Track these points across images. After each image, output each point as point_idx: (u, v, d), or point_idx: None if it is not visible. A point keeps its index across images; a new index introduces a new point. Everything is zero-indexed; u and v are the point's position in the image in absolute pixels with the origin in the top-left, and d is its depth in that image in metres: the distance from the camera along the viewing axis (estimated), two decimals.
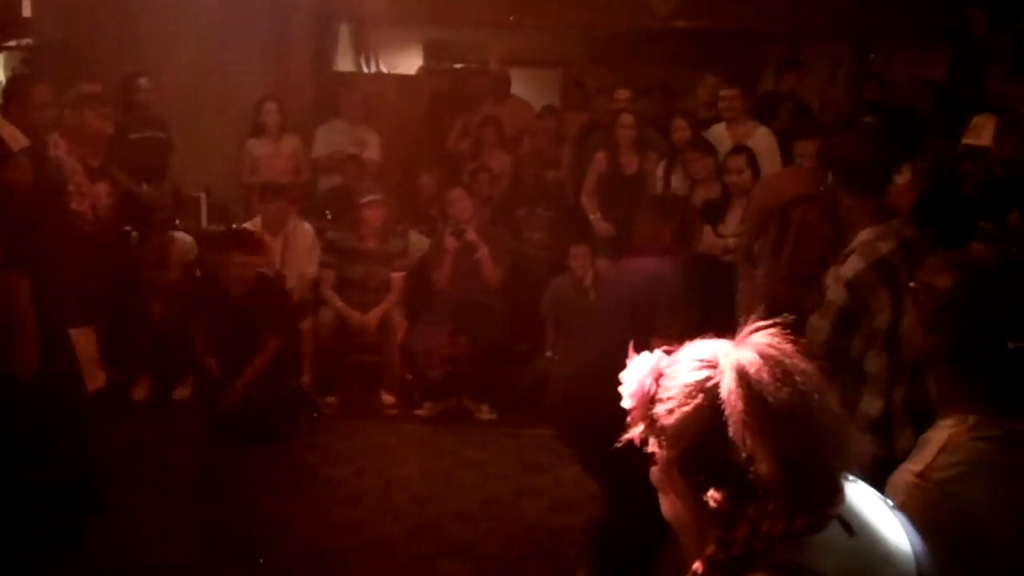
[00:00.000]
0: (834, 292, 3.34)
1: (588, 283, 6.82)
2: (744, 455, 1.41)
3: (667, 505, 1.59)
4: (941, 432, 2.10)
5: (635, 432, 1.55)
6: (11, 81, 6.25)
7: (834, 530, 1.47)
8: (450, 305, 6.91)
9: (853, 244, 3.39)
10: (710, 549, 1.47)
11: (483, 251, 6.85)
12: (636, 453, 3.55)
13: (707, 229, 6.33)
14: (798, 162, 5.89)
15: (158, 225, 6.93)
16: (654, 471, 1.58)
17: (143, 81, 7.41)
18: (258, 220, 7.07)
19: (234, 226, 7.29)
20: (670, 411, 1.48)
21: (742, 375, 1.44)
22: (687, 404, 1.47)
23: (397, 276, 7.00)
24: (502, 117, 8.40)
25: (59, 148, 4.82)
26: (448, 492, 5.55)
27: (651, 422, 1.52)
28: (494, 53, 11.25)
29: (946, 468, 2.02)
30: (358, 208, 6.90)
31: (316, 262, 7.04)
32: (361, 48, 10.64)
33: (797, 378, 1.45)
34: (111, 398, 6.00)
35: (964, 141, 6.55)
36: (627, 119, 7.32)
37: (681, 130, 7.25)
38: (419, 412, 6.70)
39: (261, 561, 4.39)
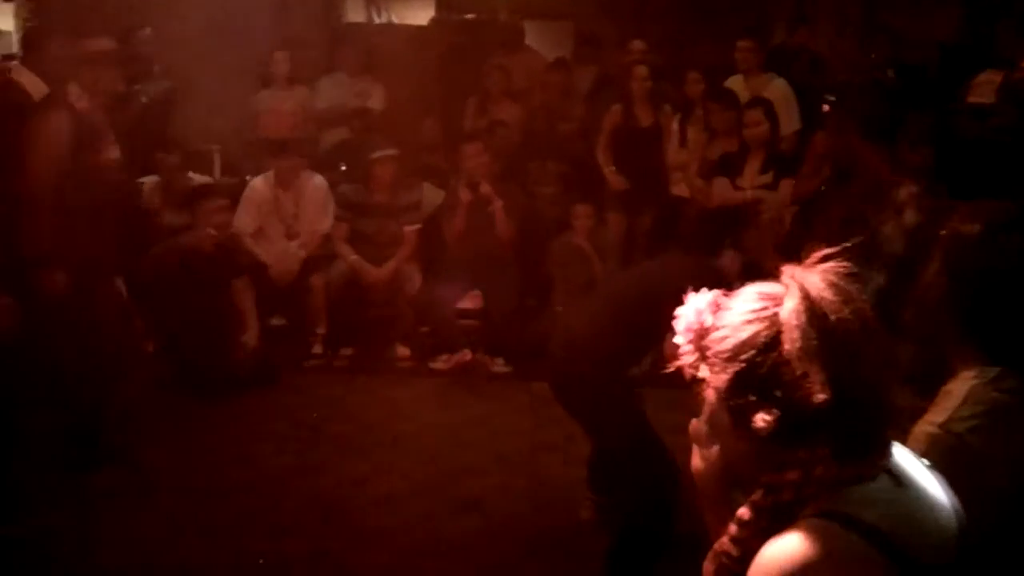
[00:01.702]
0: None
1: (584, 242, 6.82)
2: (798, 375, 1.39)
3: (699, 459, 1.57)
4: (963, 384, 2.08)
5: (685, 361, 1.53)
6: (27, 32, 6.21)
7: (882, 480, 1.46)
8: (463, 258, 6.87)
9: (901, 196, 3.31)
10: (757, 495, 1.45)
11: (497, 204, 6.80)
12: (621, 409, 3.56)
13: (725, 182, 6.30)
14: None
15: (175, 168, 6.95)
16: (694, 422, 1.55)
17: (146, 32, 7.35)
18: (270, 174, 7.02)
19: (248, 178, 7.26)
20: (725, 337, 1.47)
21: (805, 294, 1.43)
22: (744, 330, 1.46)
23: (410, 230, 6.97)
24: (513, 68, 8.31)
25: (83, 100, 4.82)
26: (461, 446, 5.54)
27: (704, 350, 1.50)
28: (505, 5, 11.11)
29: (967, 419, 2.01)
30: (369, 163, 6.85)
31: (330, 216, 7.00)
32: None
33: (859, 305, 1.45)
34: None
35: (968, 99, 6.48)
36: (641, 71, 7.23)
37: (695, 83, 7.20)
38: (434, 365, 6.70)
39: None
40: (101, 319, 4.93)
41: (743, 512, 1.46)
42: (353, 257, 6.88)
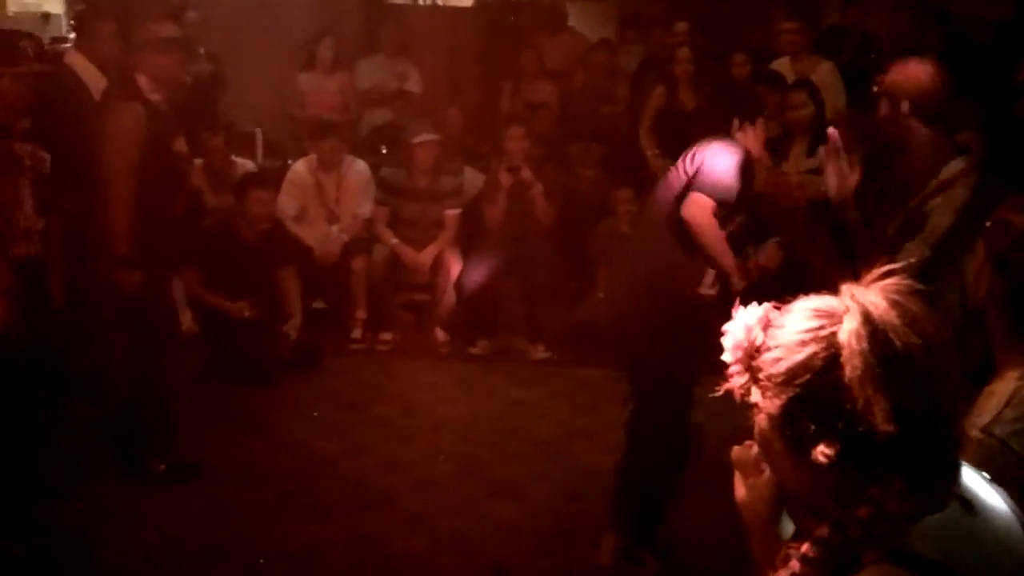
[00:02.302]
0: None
1: (627, 227, 6.72)
2: (860, 404, 1.28)
3: (743, 487, 1.49)
4: (1007, 384, 1.99)
5: (735, 383, 1.41)
6: (79, 15, 6.23)
7: (953, 510, 1.36)
8: (503, 243, 6.84)
9: (949, 174, 3.18)
10: (823, 531, 1.34)
11: (537, 188, 6.75)
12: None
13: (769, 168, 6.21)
14: None
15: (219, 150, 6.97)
16: (736, 449, 1.49)
17: (190, 15, 7.37)
18: (312, 158, 7.04)
19: (289, 162, 7.27)
20: (778, 359, 1.35)
21: (868, 316, 1.32)
22: (799, 352, 1.34)
23: (451, 214, 6.94)
24: (556, 49, 8.24)
25: (153, 90, 4.71)
26: (500, 432, 5.54)
27: (755, 372, 1.39)
28: None
29: (1011, 423, 1.92)
30: (410, 147, 6.83)
31: (371, 201, 7.00)
32: None
33: (926, 327, 1.33)
34: None
35: (1020, 79, 6.32)
36: (684, 53, 7.13)
37: (741, 65, 7.09)
38: (472, 351, 6.69)
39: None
40: (161, 316, 4.93)
41: (807, 548, 1.35)
42: (394, 241, 6.88)
